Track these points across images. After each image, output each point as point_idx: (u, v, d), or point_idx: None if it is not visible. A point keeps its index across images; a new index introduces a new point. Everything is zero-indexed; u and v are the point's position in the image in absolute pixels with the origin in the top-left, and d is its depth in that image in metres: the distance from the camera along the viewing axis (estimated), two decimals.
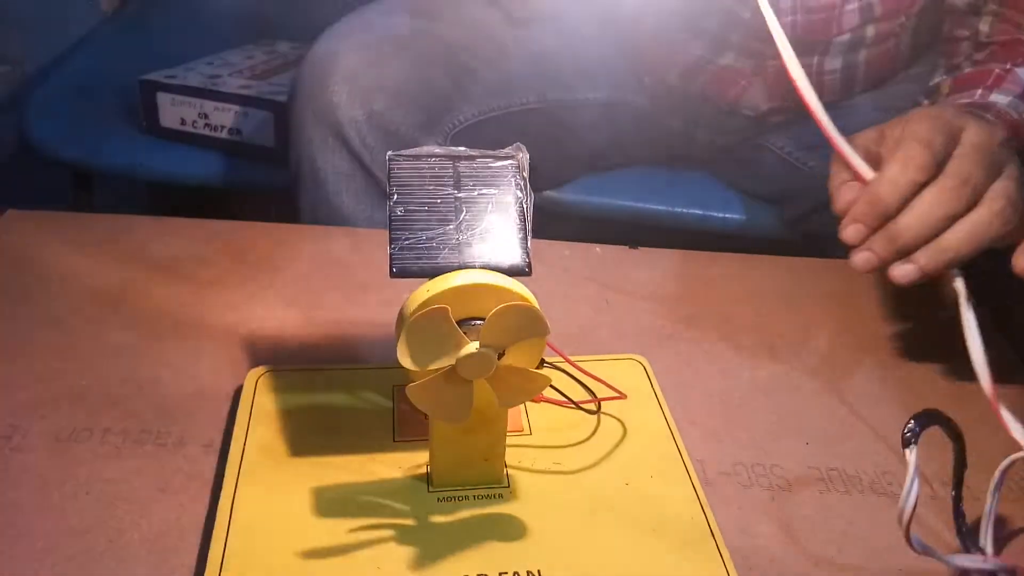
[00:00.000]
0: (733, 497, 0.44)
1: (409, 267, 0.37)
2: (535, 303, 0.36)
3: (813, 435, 0.48)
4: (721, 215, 0.89)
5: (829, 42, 0.80)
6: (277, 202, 0.78)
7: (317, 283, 0.57)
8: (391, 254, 0.37)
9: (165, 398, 0.46)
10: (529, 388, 0.38)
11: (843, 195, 0.50)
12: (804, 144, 0.85)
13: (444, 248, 0.38)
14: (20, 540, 0.38)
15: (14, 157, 0.93)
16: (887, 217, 0.48)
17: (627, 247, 0.63)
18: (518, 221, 0.38)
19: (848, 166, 0.51)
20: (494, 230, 0.38)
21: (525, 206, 0.39)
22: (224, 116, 0.87)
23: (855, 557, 0.41)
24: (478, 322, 0.36)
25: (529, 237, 0.38)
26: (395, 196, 0.38)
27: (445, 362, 0.36)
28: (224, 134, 0.88)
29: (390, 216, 0.38)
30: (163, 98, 0.88)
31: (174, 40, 1.01)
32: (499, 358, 0.36)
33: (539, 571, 0.38)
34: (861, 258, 0.49)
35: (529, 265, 0.38)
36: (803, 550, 0.41)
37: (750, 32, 0.79)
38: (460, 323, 0.36)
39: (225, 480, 0.40)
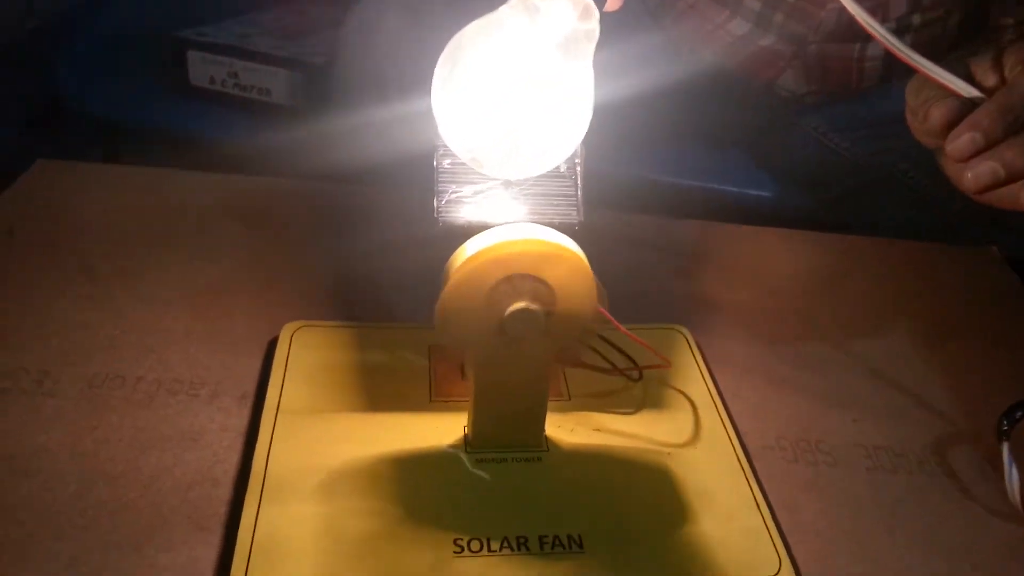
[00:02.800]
0: (777, 472, 0.42)
1: (455, 221, 0.36)
2: (584, 259, 0.35)
3: (860, 413, 0.47)
4: (756, 193, 0.87)
5: None
6: (306, 163, 0.77)
7: (354, 239, 0.56)
8: (436, 207, 0.36)
9: (199, 349, 0.45)
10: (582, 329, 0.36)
11: (941, 109, 0.43)
12: (839, 126, 0.83)
13: (491, 202, 0.36)
14: (51, 484, 0.37)
15: (44, 112, 0.92)
16: (1013, 130, 0.41)
17: (669, 217, 0.62)
18: (569, 176, 0.37)
19: (942, 87, 0.44)
20: (544, 184, 0.37)
21: (576, 161, 0.37)
22: (254, 76, 0.86)
23: (905, 537, 0.40)
24: (526, 279, 0.35)
25: (580, 193, 0.37)
26: (441, 148, 0.37)
27: (492, 320, 0.35)
28: (254, 94, 0.87)
29: (436, 168, 0.37)
30: (193, 56, 0.87)
31: (205, 1, 0.99)
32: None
33: (580, 536, 0.37)
34: (985, 169, 0.41)
35: (580, 222, 0.36)
36: (851, 528, 0.40)
37: (793, 14, 0.77)
38: (507, 279, 0.34)
39: (260, 432, 0.40)
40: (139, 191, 0.57)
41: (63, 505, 0.36)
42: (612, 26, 0.35)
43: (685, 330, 0.49)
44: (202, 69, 0.87)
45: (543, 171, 0.35)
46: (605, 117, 0.37)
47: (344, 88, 0.69)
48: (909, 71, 0.86)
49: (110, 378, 0.43)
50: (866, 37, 0.78)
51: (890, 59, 0.80)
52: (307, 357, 0.44)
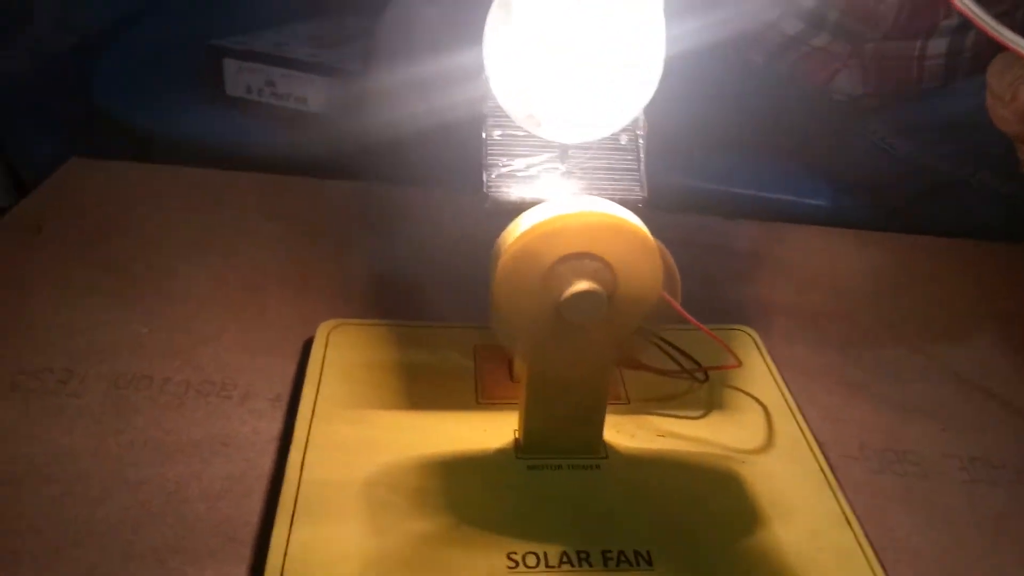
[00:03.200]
0: (863, 483, 0.38)
1: (506, 197, 0.33)
2: (649, 235, 0.31)
3: (949, 421, 0.42)
4: (811, 202, 0.82)
5: (936, 25, 0.74)
6: (342, 171, 0.75)
7: (395, 239, 0.53)
8: (485, 182, 0.33)
9: (230, 350, 0.43)
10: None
11: None
12: (900, 129, 0.79)
13: (546, 176, 0.33)
14: (73, 487, 0.34)
15: (81, 125, 0.91)
16: None
17: (723, 218, 0.58)
18: (631, 148, 0.34)
19: None
20: (603, 158, 0.34)
21: (639, 132, 0.34)
22: (291, 84, 0.85)
23: (1013, 554, 0.35)
24: (585, 259, 0.31)
25: (643, 167, 0.34)
26: (491, 118, 0.34)
27: (547, 305, 0.31)
28: (291, 103, 0.85)
29: (485, 140, 0.34)
30: (229, 65, 0.86)
31: (241, 11, 0.99)
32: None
33: (648, 552, 0.33)
34: None
35: (644, 199, 0.33)
36: (951, 545, 0.35)
37: (849, 11, 0.74)
38: (564, 259, 0.31)
39: (295, 435, 0.36)
40: (174, 190, 0.55)
41: (83, 511, 0.33)
42: None
43: (752, 331, 0.45)
44: (238, 78, 0.86)
45: (612, 130, 0.31)
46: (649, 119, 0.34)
47: (378, 86, 0.67)
48: (974, 69, 0.82)
49: (137, 379, 0.40)
50: (927, 34, 0.75)
51: (954, 57, 0.76)
52: (345, 357, 0.41)
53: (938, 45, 0.75)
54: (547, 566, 0.32)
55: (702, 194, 0.83)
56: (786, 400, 0.41)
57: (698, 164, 0.84)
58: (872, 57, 0.76)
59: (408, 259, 0.51)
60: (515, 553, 0.32)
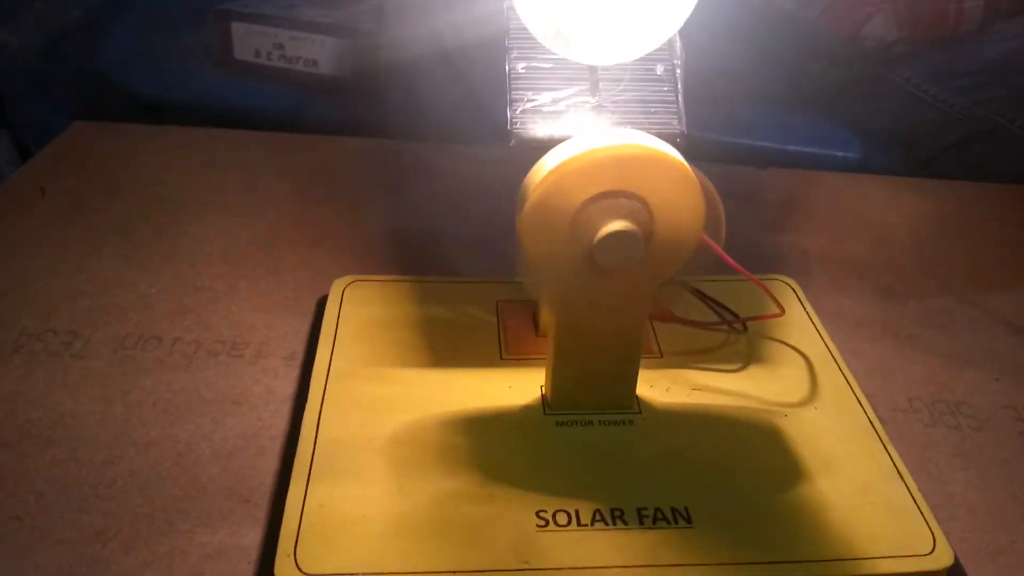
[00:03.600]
0: (914, 437, 0.36)
1: (532, 133, 0.31)
2: (689, 169, 0.29)
3: (1002, 371, 0.40)
4: (841, 155, 0.79)
5: None
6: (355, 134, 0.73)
7: (411, 194, 0.51)
8: (510, 118, 0.31)
9: (242, 308, 0.41)
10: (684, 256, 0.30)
11: None
12: (935, 74, 0.75)
13: (575, 111, 0.31)
14: (79, 451, 0.33)
15: (89, 96, 0.90)
16: None
17: (754, 167, 0.56)
18: (667, 79, 0.31)
19: None
20: (637, 90, 0.31)
21: (676, 62, 0.32)
22: (300, 46, 0.82)
23: None
24: (620, 197, 0.29)
25: (681, 99, 0.31)
26: (515, 51, 0.31)
27: (578, 249, 0.29)
28: (300, 66, 0.83)
29: (509, 74, 0.31)
30: (237, 28, 0.83)
31: None
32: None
33: (686, 509, 0.31)
34: None
35: (683, 133, 0.31)
36: (1010, 499, 0.33)
37: None
38: (596, 199, 0.29)
39: (310, 393, 0.34)
40: (180, 151, 0.53)
41: (90, 475, 0.32)
42: None
43: (792, 281, 0.43)
44: (247, 42, 0.83)
45: (648, 49, 0.29)
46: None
47: (393, 38, 0.65)
48: (1014, 11, 0.77)
49: (144, 339, 0.38)
50: None
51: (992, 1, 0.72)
52: (361, 314, 0.39)
53: None
54: (579, 524, 0.30)
55: (726, 148, 0.80)
56: (830, 351, 0.38)
57: (721, 117, 0.81)
58: (906, 1, 0.72)
59: (424, 213, 0.49)
60: (545, 511, 0.30)
